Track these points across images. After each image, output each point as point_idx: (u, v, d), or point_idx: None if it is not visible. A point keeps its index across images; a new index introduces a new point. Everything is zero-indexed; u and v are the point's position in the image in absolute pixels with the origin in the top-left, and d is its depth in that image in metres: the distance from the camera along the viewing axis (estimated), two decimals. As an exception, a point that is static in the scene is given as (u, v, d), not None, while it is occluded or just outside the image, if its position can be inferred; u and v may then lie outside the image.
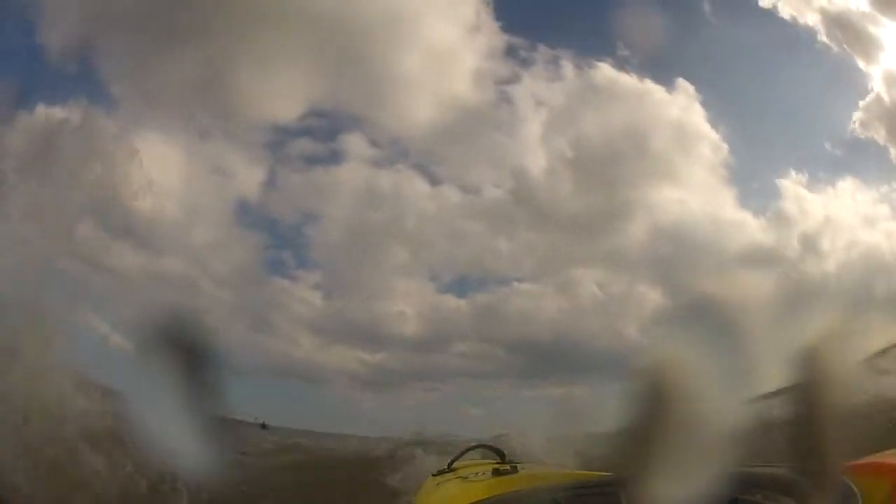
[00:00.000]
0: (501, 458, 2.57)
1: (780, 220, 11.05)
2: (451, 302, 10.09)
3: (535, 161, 10.25)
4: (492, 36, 9.97)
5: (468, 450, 2.87)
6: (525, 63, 10.14)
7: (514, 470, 2.35)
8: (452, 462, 2.66)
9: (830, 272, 11.03)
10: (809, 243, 11.26)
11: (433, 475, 2.61)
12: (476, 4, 9.48)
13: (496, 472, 2.31)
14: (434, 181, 10.28)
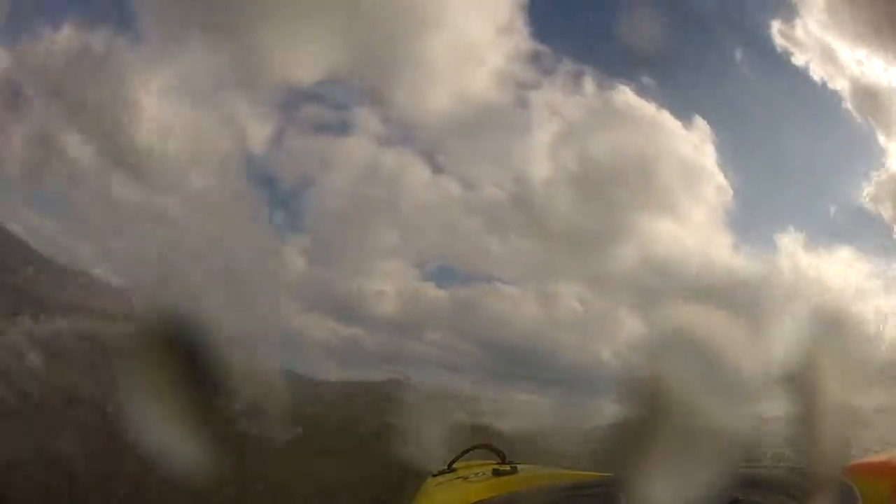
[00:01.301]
0: (501, 459, 2.57)
1: (772, 273, 11.23)
2: (432, 291, 10.26)
3: (539, 169, 10.39)
4: (520, 39, 10.15)
5: (468, 450, 2.86)
6: (547, 72, 10.31)
7: (514, 470, 2.35)
8: (452, 462, 2.66)
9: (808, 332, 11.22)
10: (794, 299, 11.43)
11: (433, 475, 2.61)
12: (510, 5, 9.67)
13: (496, 473, 2.31)
14: (436, 170, 10.47)
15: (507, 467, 2.38)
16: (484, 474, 2.37)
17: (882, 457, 1.54)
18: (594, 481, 2.04)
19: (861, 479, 1.35)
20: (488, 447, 2.79)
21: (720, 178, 10.07)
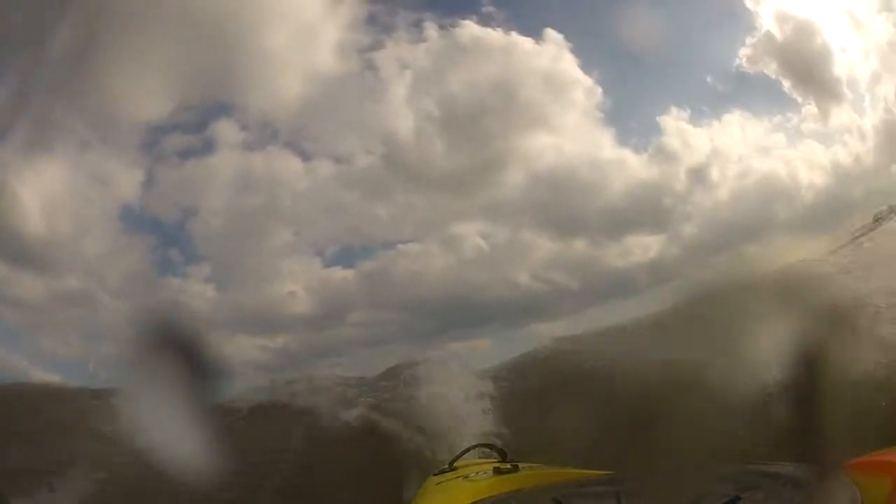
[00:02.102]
0: (502, 458, 2.57)
1: (663, 154, 11.27)
2: (339, 274, 10.31)
3: (404, 124, 10.41)
4: (353, 6, 10.14)
5: (468, 449, 2.87)
6: (387, 29, 10.37)
7: (515, 469, 2.35)
8: (453, 461, 2.66)
9: (723, 201, 11.25)
10: (697, 175, 11.53)
11: (434, 474, 2.61)
12: None
13: (497, 472, 2.31)
14: (306, 157, 10.50)
15: (508, 466, 2.38)
16: (485, 473, 2.37)
17: (883, 454, 1.54)
18: (595, 480, 2.04)
19: (861, 476, 1.35)
20: (489, 446, 2.80)
21: (586, 81, 10.01)
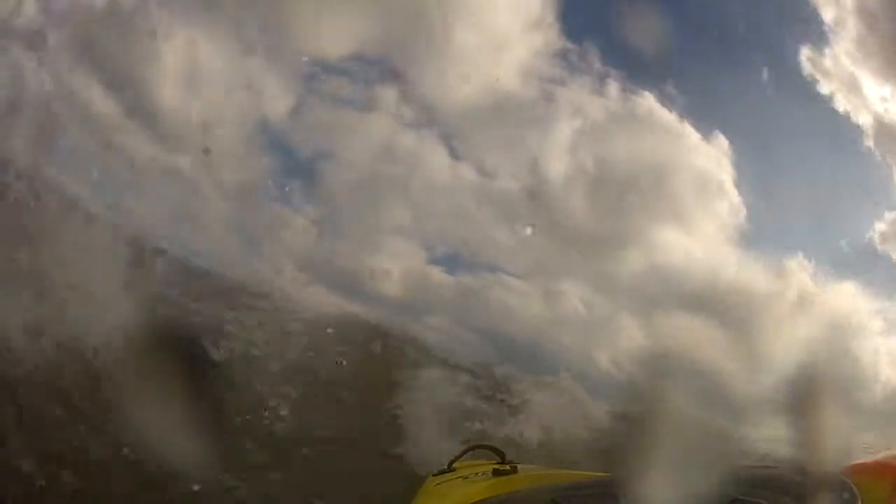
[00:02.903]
0: (501, 459, 2.57)
1: (776, 295, 11.36)
2: (438, 275, 10.31)
3: (556, 165, 10.44)
4: (549, 35, 10.26)
5: (468, 450, 2.87)
6: (573, 70, 10.42)
7: (515, 470, 2.35)
8: (452, 462, 2.66)
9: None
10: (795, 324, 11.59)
11: (433, 475, 2.61)
12: (542, 1, 9.83)
13: (496, 473, 2.31)
14: (454, 155, 10.52)
15: (508, 467, 2.38)
16: (484, 474, 2.37)
17: (883, 457, 1.54)
18: (594, 481, 2.04)
19: (861, 479, 1.35)
20: (488, 447, 2.80)
21: (734, 196, 10.10)
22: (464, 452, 2.79)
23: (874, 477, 1.37)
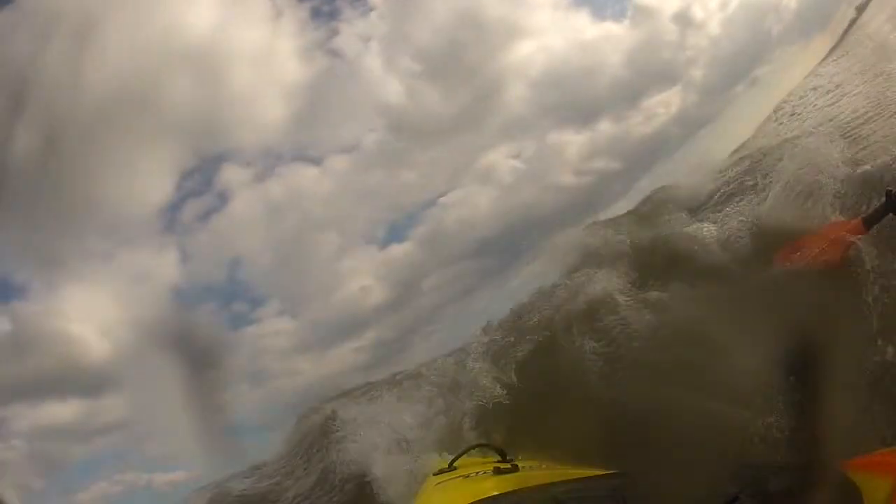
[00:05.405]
0: (502, 457, 2.57)
1: (642, 13, 11.71)
2: (397, 250, 10.37)
3: (392, 90, 11.07)
4: (293, 11, 10.42)
5: (469, 449, 2.86)
6: (334, 14, 11.01)
7: (515, 468, 2.35)
8: (453, 461, 2.66)
9: (717, 35, 11.64)
10: (683, 20, 11.83)
11: (433, 474, 2.61)
12: None
13: (497, 471, 2.31)
14: (317, 161, 10.73)
15: (508, 465, 2.38)
16: (485, 472, 2.37)
17: (883, 454, 1.54)
18: (595, 479, 2.04)
19: (862, 475, 1.35)
20: (489, 446, 2.80)
21: None
22: (465, 451, 2.79)
23: (875, 474, 1.37)
